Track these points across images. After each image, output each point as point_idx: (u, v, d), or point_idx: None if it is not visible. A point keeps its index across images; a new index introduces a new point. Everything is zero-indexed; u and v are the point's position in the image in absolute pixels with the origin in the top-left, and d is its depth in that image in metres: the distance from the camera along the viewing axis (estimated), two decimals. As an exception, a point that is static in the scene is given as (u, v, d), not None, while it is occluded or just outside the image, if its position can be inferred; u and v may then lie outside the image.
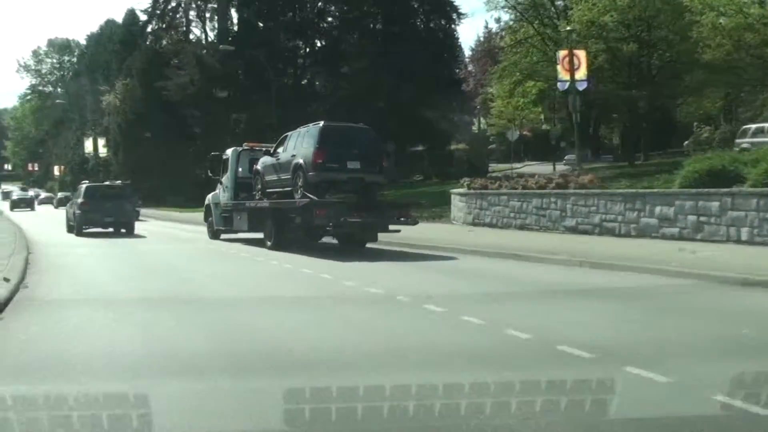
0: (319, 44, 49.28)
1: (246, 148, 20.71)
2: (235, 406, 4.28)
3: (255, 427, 3.94)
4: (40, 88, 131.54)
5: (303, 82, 48.76)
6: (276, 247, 16.53)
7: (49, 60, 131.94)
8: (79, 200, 23.60)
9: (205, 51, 44.23)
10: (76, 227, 23.32)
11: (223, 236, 20.81)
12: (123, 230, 23.45)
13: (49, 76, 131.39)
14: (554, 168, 35.96)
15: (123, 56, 58.77)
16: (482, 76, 55.60)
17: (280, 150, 17.41)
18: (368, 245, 16.56)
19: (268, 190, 17.77)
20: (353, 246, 16.43)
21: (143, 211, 36.93)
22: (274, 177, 17.41)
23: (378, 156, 16.63)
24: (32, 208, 51.18)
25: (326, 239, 17.67)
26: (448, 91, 45.30)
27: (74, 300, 9.00)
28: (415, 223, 16.53)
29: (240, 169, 20.03)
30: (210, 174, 22.93)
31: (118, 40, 61.63)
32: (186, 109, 46.55)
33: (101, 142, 56.32)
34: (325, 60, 47.78)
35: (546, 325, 6.73)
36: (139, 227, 25.29)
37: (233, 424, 4.00)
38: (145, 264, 14.53)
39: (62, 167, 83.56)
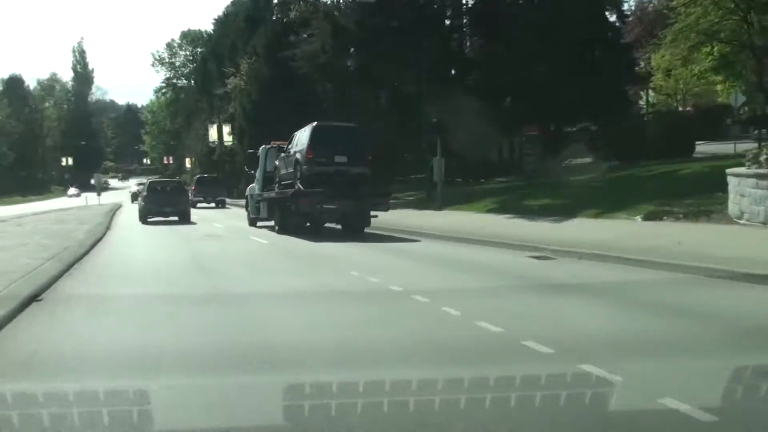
0: (470, 1, 41.03)
1: (273, 146, 23.20)
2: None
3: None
4: (174, 80, 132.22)
5: (452, 49, 40.71)
6: (281, 231, 19.46)
7: (182, 52, 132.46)
8: (144, 194, 27.57)
9: (338, 13, 37.24)
10: (140, 216, 26.81)
11: (259, 224, 22.99)
12: (178, 218, 26.34)
13: (182, 69, 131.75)
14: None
15: (248, 35, 53.41)
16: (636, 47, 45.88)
17: (290, 147, 20.04)
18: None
19: (282, 183, 20.25)
20: (352, 231, 18.65)
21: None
22: (284, 171, 20.12)
23: (364, 151, 18.79)
24: None
25: (331, 225, 19.91)
26: (618, 60, 35.78)
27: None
28: (386, 209, 19.33)
29: (267, 165, 22.62)
30: (246, 169, 27.01)
31: (242, 17, 56.36)
32: (317, 84, 39.94)
33: (226, 129, 51.00)
34: (478, 21, 39.57)
35: None
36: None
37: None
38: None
39: (192, 159, 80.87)
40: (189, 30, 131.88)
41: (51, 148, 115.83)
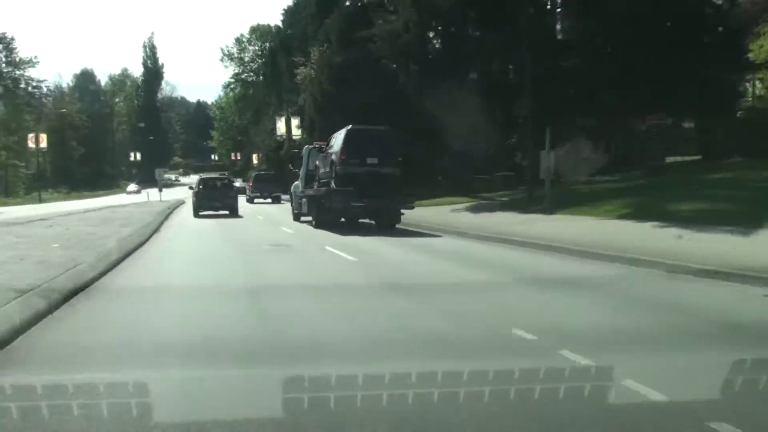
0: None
1: (315, 146, 24.92)
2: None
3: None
4: (243, 76, 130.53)
5: (548, 30, 35.64)
6: (317, 225, 21.30)
7: (251, 47, 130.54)
8: (196, 190, 29.00)
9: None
10: (194, 211, 28.38)
11: (302, 218, 24.10)
12: (227, 212, 28.04)
13: (251, 64, 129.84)
14: None
15: (319, 22, 49.51)
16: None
17: (328, 148, 22.12)
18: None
19: (320, 181, 22.21)
20: (383, 227, 20.35)
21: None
22: (322, 170, 22.08)
23: (394, 153, 20.46)
24: None
25: (365, 221, 21.66)
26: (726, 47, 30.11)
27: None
28: (412, 207, 20.89)
29: (309, 164, 24.19)
30: (291, 167, 29.23)
31: (313, 3, 52.51)
32: (395, 69, 35.66)
33: (294, 122, 47.09)
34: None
35: None
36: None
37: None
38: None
39: (259, 155, 77.99)
40: (258, 25, 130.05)
41: (120, 143, 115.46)
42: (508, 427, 3.88)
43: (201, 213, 28.04)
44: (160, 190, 45.42)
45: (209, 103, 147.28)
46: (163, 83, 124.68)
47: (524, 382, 4.31)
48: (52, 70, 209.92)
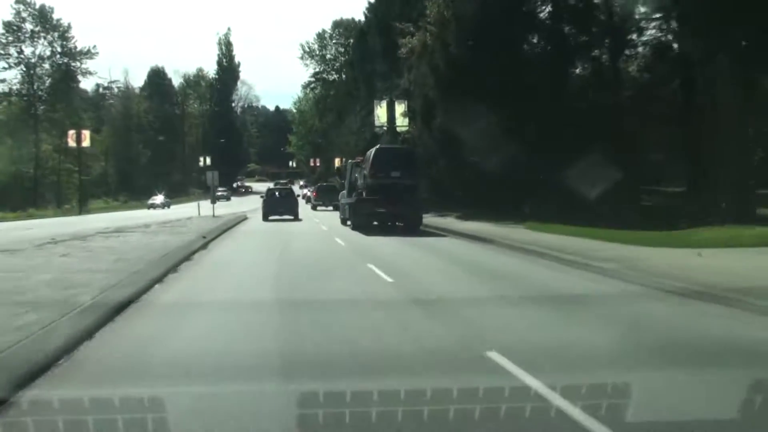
0: None
1: (357, 160, 28.27)
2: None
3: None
4: (324, 75, 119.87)
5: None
6: (353, 228, 24.64)
7: (333, 44, 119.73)
8: (264, 199, 34.18)
9: None
10: (263, 215, 32.55)
11: (348, 223, 26.79)
12: (291, 217, 32.38)
13: (333, 62, 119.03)
14: None
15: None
16: None
17: (362, 163, 25.86)
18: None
19: (357, 191, 25.38)
20: (408, 229, 22.95)
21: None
22: (359, 182, 25.33)
23: (414, 168, 24.42)
24: None
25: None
26: None
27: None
28: (425, 212, 25.48)
29: (351, 176, 27.50)
30: (338, 179, 39.69)
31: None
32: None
33: (399, 108, 33.83)
34: None
35: None
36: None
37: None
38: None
39: (342, 159, 65.86)
40: (341, 19, 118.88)
41: (192, 147, 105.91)
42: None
43: (269, 218, 32.05)
44: (214, 201, 33.05)
45: (287, 107, 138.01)
46: (239, 83, 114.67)
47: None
48: (118, 65, 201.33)
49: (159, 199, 61.28)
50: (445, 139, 25.77)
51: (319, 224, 28.81)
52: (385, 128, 34.73)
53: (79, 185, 62.74)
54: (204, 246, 16.03)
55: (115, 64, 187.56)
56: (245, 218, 32.48)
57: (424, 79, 29.14)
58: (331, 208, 42.96)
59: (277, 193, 34.79)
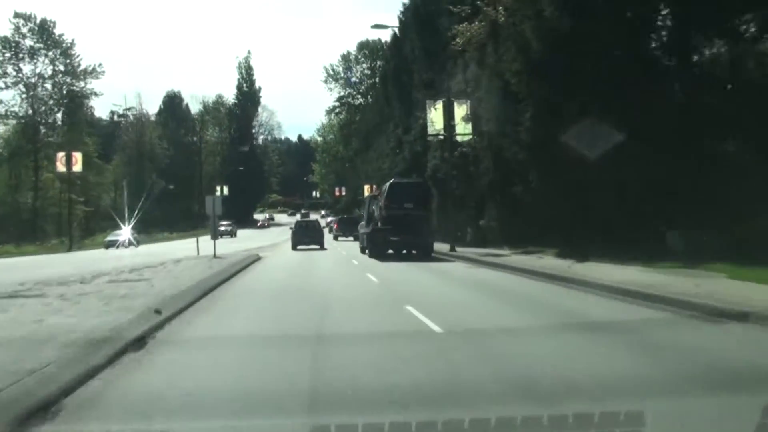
0: None
1: (374, 193, 32.45)
2: None
3: None
4: (349, 100, 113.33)
5: None
6: (370, 255, 26.25)
7: (359, 67, 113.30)
8: (293, 230, 37.71)
9: None
10: (292, 245, 35.58)
11: (366, 251, 28.20)
12: (317, 246, 34.99)
13: (359, 85, 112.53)
14: None
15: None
16: None
17: (379, 196, 28.02)
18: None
19: (373, 221, 27.48)
20: (420, 257, 24.45)
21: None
22: (376, 213, 27.11)
23: (426, 200, 25.99)
24: None
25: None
26: None
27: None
28: (434, 240, 26.38)
29: (369, 208, 29.54)
30: (358, 210, 45.19)
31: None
32: None
33: (459, 111, 25.51)
34: None
35: None
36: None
37: None
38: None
39: (371, 187, 58.70)
40: (367, 40, 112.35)
41: (210, 176, 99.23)
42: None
43: (298, 247, 34.98)
44: (215, 237, 25.17)
45: (309, 136, 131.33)
46: (260, 108, 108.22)
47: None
48: (134, 91, 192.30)
49: (123, 235, 46.91)
50: (538, 143, 18.01)
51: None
52: (441, 136, 26.91)
53: (68, 217, 55.75)
54: (139, 343, 7.15)
55: (130, 90, 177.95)
56: (257, 258, 24.93)
57: (495, 71, 21.66)
58: (351, 238, 46.09)
59: (304, 225, 38.91)
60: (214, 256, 22.99)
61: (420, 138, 38.55)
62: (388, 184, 26.76)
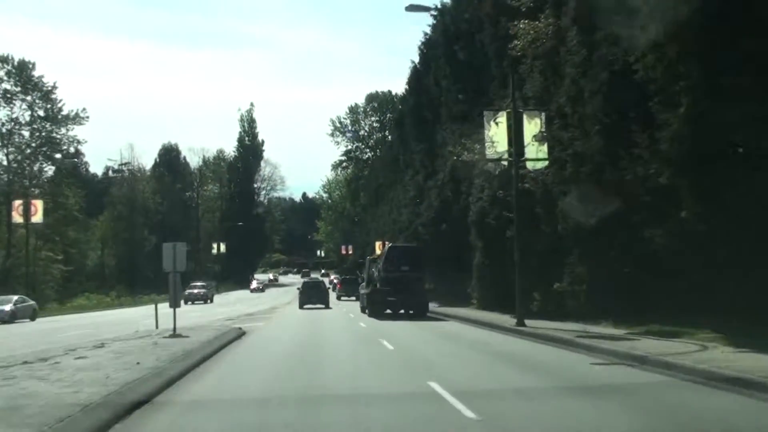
0: None
1: (374, 257, 36.11)
2: None
3: None
4: (357, 153, 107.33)
5: None
6: (369, 314, 28.47)
7: (367, 120, 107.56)
8: (299, 290, 40.74)
9: None
10: (299, 304, 38.74)
11: (366, 311, 30.17)
12: (322, 305, 38.06)
13: (367, 140, 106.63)
14: None
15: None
16: None
17: (377, 259, 30.89)
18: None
19: (373, 283, 29.62)
20: (416, 316, 26.59)
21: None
22: (375, 275, 29.36)
23: (421, 262, 28.28)
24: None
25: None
26: None
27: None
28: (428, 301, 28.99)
29: (369, 270, 31.79)
30: (358, 272, 49.26)
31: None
32: None
33: (529, 127, 17.80)
34: None
35: None
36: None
37: None
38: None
39: (383, 243, 52.50)
40: (376, 92, 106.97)
41: (209, 233, 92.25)
42: None
43: (304, 306, 37.65)
44: (175, 305, 16.77)
45: (314, 195, 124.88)
46: (263, 162, 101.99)
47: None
48: (121, 140, 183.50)
49: (6, 306, 32.87)
50: (697, 153, 10.63)
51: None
52: (505, 162, 18.60)
53: (27, 279, 48.37)
54: None
55: (126, 145, 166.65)
56: (238, 336, 17.63)
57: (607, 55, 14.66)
58: (353, 298, 47.70)
59: (310, 285, 41.29)
60: (174, 332, 15.68)
61: (450, 181, 31.84)
62: (386, 248, 30.69)
